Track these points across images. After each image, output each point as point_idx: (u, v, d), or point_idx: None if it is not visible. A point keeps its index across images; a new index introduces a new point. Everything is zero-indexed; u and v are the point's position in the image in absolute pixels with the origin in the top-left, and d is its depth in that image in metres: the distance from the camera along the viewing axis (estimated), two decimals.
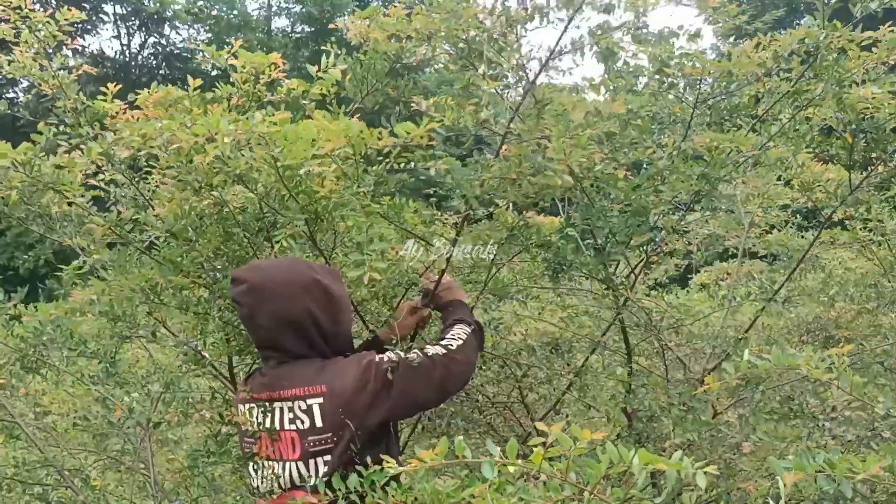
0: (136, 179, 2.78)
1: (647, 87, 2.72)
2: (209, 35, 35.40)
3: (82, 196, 2.68)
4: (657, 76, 2.55)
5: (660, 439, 2.76)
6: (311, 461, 2.15)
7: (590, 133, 2.25)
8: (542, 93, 2.33)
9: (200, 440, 3.36)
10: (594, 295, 3.23)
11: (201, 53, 2.79)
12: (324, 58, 2.62)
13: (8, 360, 2.58)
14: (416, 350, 2.24)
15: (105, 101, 2.52)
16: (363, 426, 2.12)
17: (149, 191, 2.83)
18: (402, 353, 2.21)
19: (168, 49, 35.89)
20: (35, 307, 2.76)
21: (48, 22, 2.59)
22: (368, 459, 1.95)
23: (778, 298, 3.43)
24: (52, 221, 2.81)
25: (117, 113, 2.50)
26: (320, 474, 2.13)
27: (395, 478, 1.67)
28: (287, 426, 2.19)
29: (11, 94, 28.09)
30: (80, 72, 2.66)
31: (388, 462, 1.48)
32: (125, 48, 35.84)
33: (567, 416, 3.56)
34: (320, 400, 2.15)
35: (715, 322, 3.69)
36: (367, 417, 2.13)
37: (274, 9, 37.05)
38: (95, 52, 33.67)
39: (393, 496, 1.66)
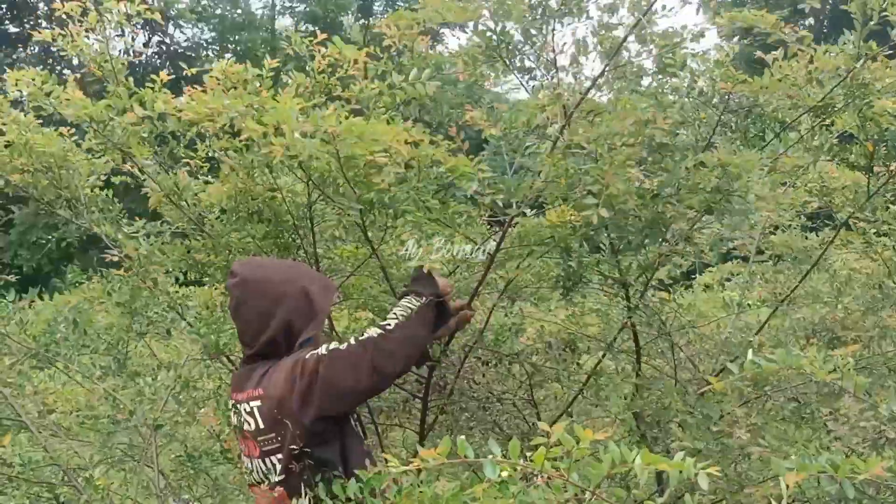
0: (171, 170, 2.80)
1: (650, 87, 2.72)
2: (213, 34, 35.40)
3: (145, 160, 2.69)
4: (689, 92, 2.53)
5: (668, 438, 2.76)
6: (267, 459, 2.21)
7: (633, 149, 2.26)
8: (591, 104, 2.33)
9: (202, 439, 3.37)
10: (606, 294, 3.23)
11: (211, 49, 2.81)
12: (414, 71, 2.50)
13: (17, 360, 2.59)
14: (351, 337, 2.23)
15: (153, 89, 2.51)
16: (300, 424, 2.13)
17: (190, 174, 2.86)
18: (337, 344, 2.18)
19: (172, 48, 35.88)
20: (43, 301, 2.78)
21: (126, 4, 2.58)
22: (325, 457, 2.08)
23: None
24: (81, 207, 2.81)
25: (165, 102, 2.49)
26: (278, 472, 2.19)
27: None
28: (244, 427, 2.26)
29: None
30: (136, 57, 2.67)
31: (392, 462, 1.49)
32: (129, 47, 35.88)
33: (571, 413, 3.56)
34: (258, 403, 2.22)
35: (724, 324, 3.68)
36: (301, 415, 2.13)
37: (278, 8, 37.03)
38: (120, 50, 33.71)
39: (392, 500, 1.65)
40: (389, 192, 2.34)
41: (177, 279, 3.03)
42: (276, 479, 2.19)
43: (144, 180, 2.85)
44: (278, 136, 2.07)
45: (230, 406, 2.37)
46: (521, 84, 2.53)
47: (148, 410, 2.57)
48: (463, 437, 1.37)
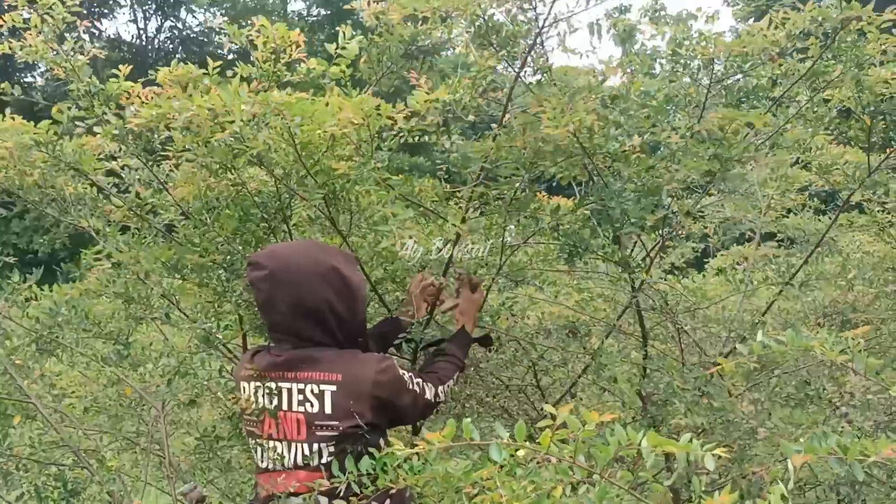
0: (150, 163, 2.79)
1: (664, 70, 2.70)
2: (225, 19, 35.39)
3: (100, 176, 2.70)
4: (672, 57, 2.52)
5: (675, 422, 2.75)
6: (316, 445, 2.18)
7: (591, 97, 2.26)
8: (541, 61, 2.33)
9: (213, 422, 3.38)
10: (610, 278, 3.22)
11: (223, 33, 2.80)
12: (341, 34, 2.62)
13: (23, 342, 2.59)
14: (421, 376, 2.37)
15: (118, 83, 2.52)
16: (365, 422, 2.16)
17: (164, 174, 2.85)
18: (412, 374, 2.32)
19: (185, 33, 35.95)
20: (51, 289, 2.78)
21: (56, 3, 2.58)
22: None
23: (795, 282, 3.40)
24: (67, 204, 2.81)
25: (130, 94, 2.50)
26: (323, 458, 2.16)
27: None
28: (295, 408, 2.22)
29: (30, 79, 28.29)
30: (91, 55, 2.66)
31: (397, 445, 1.49)
32: (142, 32, 35.95)
33: (581, 399, 3.55)
34: (333, 388, 2.18)
35: (731, 306, 3.67)
36: (369, 416, 2.18)
37: None
38: (112, 35, 33.88)
39: (404, 478, 1.66)
40: (349, 175, 2.34)
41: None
42: (321, 462, 2.16)
43: (132, 174, 2.85)
44: (229, 124, 2.08)
45: (259, 387, 2.29)
46: (513, 69, 2.52)
47: (155, 394, 2.57)
48: (469, 419, 1.36)
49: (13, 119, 2.50)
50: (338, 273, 2.26)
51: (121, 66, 2.51)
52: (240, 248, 2.69)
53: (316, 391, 2.20)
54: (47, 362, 3.04)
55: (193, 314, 2.91)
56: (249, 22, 2.73)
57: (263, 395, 2.28)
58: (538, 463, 1.37)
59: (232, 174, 2.54)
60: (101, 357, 2.76)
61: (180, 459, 3.19)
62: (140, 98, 2.44)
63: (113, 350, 2.74)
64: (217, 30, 35.13)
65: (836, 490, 3.11)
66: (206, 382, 2.59)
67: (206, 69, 2.50)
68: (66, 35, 2.62)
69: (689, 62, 2.53)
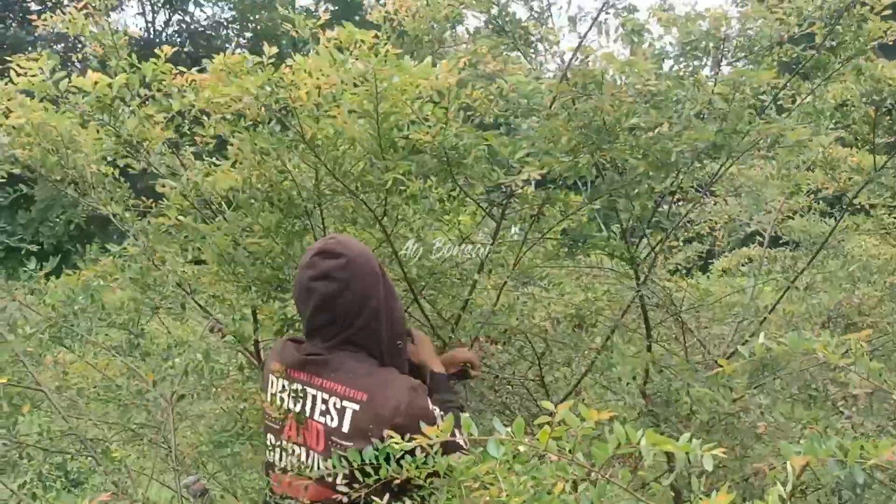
0: (173, 151, 2.79)
1: (673, 70, 2.70)
2: (233, 13, 35.40)
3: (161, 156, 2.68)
4: (682, 38, 2.53)
5: (678, 419, 2.76)
6: (330, 461, 2.03)
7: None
8: (586, 51, 2.36)
9: (221, 416, 3.38)
10: (616, 274, 3.23)
11: (289, 22, 2.77)
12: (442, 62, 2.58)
13: (37, 329, 2.58)
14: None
15: (156, 64, 2.48)
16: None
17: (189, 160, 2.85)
18: (441, 412, 2.11)
19: (192, 27, 35.99)
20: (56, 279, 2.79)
21: None
22: None
23: (799, 284, 3.40)
24: (87, 186, 2.78)
25: (168, 73, 2.47)
26: (339, 479, 2.00)
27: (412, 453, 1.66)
28: (316, 417, 2.11)
29: None
30: (128, 35, 2.66)
31: (396, 440, 1.50)
32: (150, 25, 36.00)
33: (584, 399, 3.56)
34: (356, 407, 2.05)
35: (736, 306, 3.67)
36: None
37: None
38: (120, 29, 33.94)
39: (407, 470, 1.67)
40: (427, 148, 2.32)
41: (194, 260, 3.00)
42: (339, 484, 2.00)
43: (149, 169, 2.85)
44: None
45: (286, 386, 2.19)
46: (524, 57, 2.53)
47: (167, 385, 2.57)
48: (468, 414, 1.37)
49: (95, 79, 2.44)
50: (381, 269, 2.20)
51: (164, 47, 2.48)
52: (283, 240, 2.66)
53: (338, 406, 2.07)
54: (59, 352, 3.04)
55: (209, 304, 2.89)
56: (256, 17, 2.73)
57: (289, 396, 2.17)
58: (539, 459, 1.37)
59: (280, 161, 2.51)
60: (113, 346, 2.77)
61: (185, 453, 3.19)
62: (194, 82, 2.41)
63: (125, 339, 2.74)
64: (225, 23, 35.04)
65: (837, 493, 3.11)
66: (223, 381, 2.58)
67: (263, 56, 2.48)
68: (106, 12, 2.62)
69: (698, 45, 2.52)
